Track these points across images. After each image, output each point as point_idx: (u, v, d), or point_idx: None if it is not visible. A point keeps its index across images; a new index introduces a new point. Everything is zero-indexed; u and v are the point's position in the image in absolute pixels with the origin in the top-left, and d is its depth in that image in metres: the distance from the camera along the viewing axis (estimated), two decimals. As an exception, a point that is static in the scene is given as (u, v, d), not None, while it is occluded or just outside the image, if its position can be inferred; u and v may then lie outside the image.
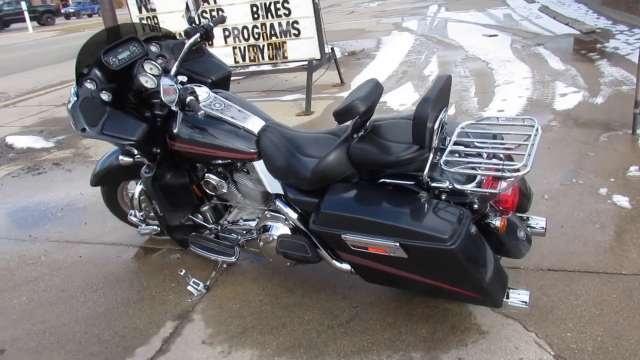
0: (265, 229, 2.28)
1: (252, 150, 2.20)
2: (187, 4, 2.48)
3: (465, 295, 1.80)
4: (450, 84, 1.95)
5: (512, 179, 1.70)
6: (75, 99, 2.20)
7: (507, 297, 1.86)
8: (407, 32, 9.88)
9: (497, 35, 8.30)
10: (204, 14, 5.61)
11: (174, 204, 2.43)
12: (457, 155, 1.83)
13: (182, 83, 2.34)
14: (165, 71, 2.42)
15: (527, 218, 2.20)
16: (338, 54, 8.41)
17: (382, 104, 5.21)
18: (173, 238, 2.53)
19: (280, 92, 6.28)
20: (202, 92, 2.31)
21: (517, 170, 1.69)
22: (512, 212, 1.96)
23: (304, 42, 5.43)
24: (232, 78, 6.62)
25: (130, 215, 2.72)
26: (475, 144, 1.92)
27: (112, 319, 2.34)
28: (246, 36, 5.59)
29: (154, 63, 2.41)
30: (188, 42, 2.39)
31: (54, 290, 2.61)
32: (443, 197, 1.87)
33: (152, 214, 2.54)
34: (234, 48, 5.69)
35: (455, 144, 1.87)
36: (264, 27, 5.48)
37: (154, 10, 5.82)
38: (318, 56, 5.45)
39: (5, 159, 4.84)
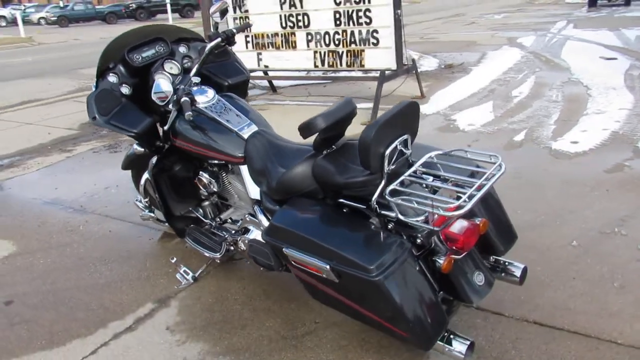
0: (244, 231, 2.36)
1: (239, 155, 2.28)
2: (215, 13, 2.60)
3: (392, 331, 1.72)
4: (415, 111, 1.85)
5: (436, 218, 1.59)
6: (94, 89, 2.45)
7: (448, 343, 1.74)
8: (517, 47, 9.30)
9: (616, 59, 7.51)
10: (291, 17, 5.82)
11: (174, 196, 2.60)
12: (407, 185, 1.75)
13: (196, 84, 2.49)
14: (187, 71, 2.59)
15: (505, 263, 2.02)
16: (434, 66, 8.23)
17: (451, 122, 5.01)
18: (172, 227, 2.70)
19: (360, 99, 6.27)
20: (207, 94, 2.43)
21: (452, 209, 1.57)
22: (466, 254, 1.81)
23: (382, 52, 5.39)
24: (316, 82, 6.72)
25: (136, 200, 2.95)
26: (441, 175, 1.82)
27: (106, 291, 2.57)
28: (327, 42, 5.69)
29: (174, 62, 2.59)
30: (209, 46, 2.53)
31: (74, 258, 2.92)
32: (389, 227, 1.80)
33: (155, 201, 2.74)
34: (315, 52, 5.82)
35: (417, 173, 1.79)
36: (344, 34, 5.54)
37: (246, 11, 6.15)
38: (394, 67, 5.38)
39: (96, 135, 5.45)
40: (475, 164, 1.85)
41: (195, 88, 2.45)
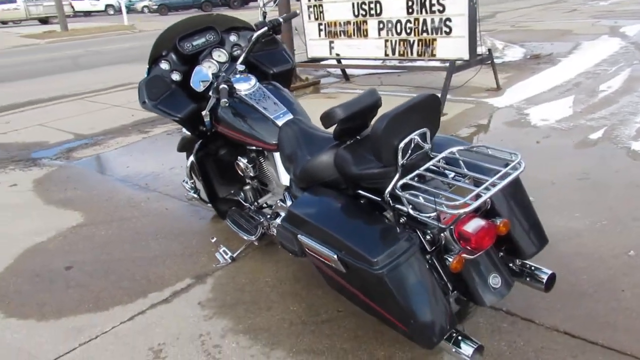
0: (275, 216, 2.42)
1: (273, 142, 2.34)
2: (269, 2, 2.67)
3: (395, 325, 1.69)
4: (435, 104, 1.78)
5: (448, 215, 1.53)
6: (146, 75, 2.61)
7: (456, 344, 1.68)
8: (618, 37, 8.55)
9: None
10: (363, 5, 5.78)
11: (217, 179, 2.72)
12: (428, 180, 1.71)
13: (240, 72, 2.58)
14: (235, 59, 2.69)
15: (531, 267, 1.90)
16: (519, 56, 7.79)
17: (523, 116, 4.74)
18: (215, 208, 2.83)
19: (433, 89, 6.12)
20: (249, 82, 2.51)
21: (457, 207, 1.51)
22: (484, 254, 1.73)
23: (454, 41, 5.20)
24: (389, 71, 6.57)
25: (183, 181, 3.11)
26: (460, 171, 1.75)
27: (152, 264, 2.76)
28: (399, 30, 5.59)
29: (223, 50, 2.70)
30: (255, 34, 2.61)
31: (131, 231, 3.15)
32: (402, 221, 1.76)
33: (199, 183, 2.87)
34: (386, 41, 5.74)
35: (439, 169, 1.74)
36: (416, 22, 5.41)
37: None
38: (466, 57, 5.17)
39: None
40: (504, 161, 1.76)
41: (237, 76, 2.53)
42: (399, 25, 5.57)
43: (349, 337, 2.08)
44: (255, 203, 2.70)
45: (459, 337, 1.68)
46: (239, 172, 2.62)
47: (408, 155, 1.73)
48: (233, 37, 2.80)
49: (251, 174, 2.56)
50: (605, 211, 2.87)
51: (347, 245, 1.70)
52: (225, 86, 2.34)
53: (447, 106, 5.18)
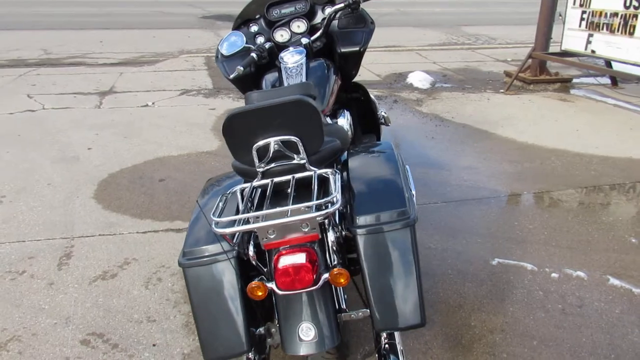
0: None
1: None
2: None
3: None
4: (304, 110, 1.45)
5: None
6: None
7: None
8: None
9: None
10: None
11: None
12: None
13: (303, 45, 2.54)
14: (314, 31, 2.65)
15: (386, 347, 1.45)
16: None
17: None
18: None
19: None
20: (294, 56, 2.45)
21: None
22: (300, 295, 1.44)
23: None
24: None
25: None
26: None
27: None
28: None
29: (303, 21, 2.67)
30: (332, 8, 2.52)
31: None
32: None
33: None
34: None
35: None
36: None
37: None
38: None
39: (394, 87, 5.84)
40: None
41: (291, 48, 2.51)
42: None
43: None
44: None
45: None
46: None
47: (267, 161, 1.52)
48: (328, 10, 2.72)
49: None
50: None
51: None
52: (253, 55, 2.37)
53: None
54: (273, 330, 1.63)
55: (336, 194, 1.35)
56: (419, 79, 6.02)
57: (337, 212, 1.53)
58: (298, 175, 1.53)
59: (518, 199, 3.18)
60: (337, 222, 1.54)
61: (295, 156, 1.52)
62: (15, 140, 4.05)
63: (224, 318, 1.49)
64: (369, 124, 2.96)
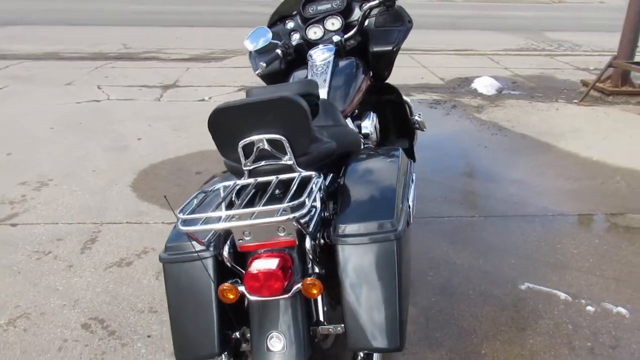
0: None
1: None
2: None
3: None
4: (290, 108, 1.35)
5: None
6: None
7: None
8: None
9: None
10: None
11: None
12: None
13: (334, 43, 2.46)
14: (349, 28, 2.55)
15: None
16: None
17: None
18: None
19: None
20: (323, 54, 2.37)
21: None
22: (270, 304, 1.35)
23: None
24: None
25: None
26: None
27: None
28: None
29: (338, 18, 2.58)
30: (366, 5, 2.42)
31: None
32: None
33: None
34: None
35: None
36: None
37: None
38: None
39: (456, 92, 5.58)
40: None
41: (321, 46, 2.43)
42: None
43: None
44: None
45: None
46: None
47: (254, 159, 1.46)
48: (364, 7, 2.62)
49: None
50: None
51: None
52: (278, 51, 2.32)
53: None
54: (248, 335, 1.57)
55: (304, 198, 1.26)
56: (484, 85, 5.71)
57: (314, 218, 1.43)
58: (282, 176, 1.45)
59: (567, 219, 2.89)
60: (315, 228, 1.45)
61: (284, 156, 1.45)
62: (76, 128, 4.29)
63: (197, 318, 1.44)
64: (402, 128, 2.82)
